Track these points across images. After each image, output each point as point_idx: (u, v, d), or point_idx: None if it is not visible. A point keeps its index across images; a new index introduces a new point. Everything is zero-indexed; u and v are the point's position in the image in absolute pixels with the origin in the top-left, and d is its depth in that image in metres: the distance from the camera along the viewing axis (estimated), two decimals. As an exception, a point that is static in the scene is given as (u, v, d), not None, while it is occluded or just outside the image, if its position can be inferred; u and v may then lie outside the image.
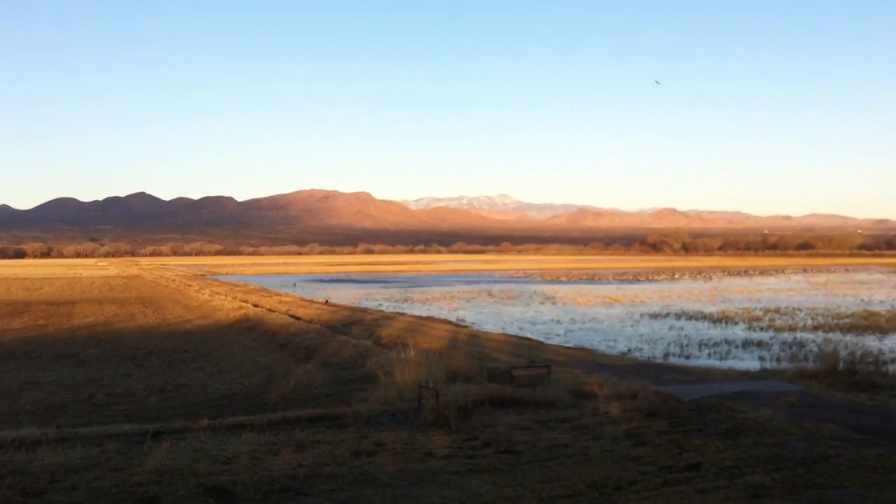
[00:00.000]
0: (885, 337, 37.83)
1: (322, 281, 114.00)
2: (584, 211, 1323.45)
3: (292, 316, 46.76)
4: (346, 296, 74.78)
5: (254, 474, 13.20)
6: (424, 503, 11.77)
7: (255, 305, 55.32)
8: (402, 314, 50.94)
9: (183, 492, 12.22)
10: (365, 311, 52.99)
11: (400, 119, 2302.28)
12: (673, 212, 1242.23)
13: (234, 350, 34.38)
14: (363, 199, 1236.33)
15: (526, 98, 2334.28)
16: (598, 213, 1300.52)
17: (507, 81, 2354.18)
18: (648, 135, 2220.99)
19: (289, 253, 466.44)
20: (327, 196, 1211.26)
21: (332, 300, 63.40)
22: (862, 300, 63.60)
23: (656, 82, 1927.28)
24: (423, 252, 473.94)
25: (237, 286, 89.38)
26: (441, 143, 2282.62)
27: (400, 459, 14.26)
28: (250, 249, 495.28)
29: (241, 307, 53.96)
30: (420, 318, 47.95)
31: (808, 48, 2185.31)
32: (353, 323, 42.35)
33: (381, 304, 62.20)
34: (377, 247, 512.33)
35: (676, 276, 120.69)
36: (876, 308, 54.32)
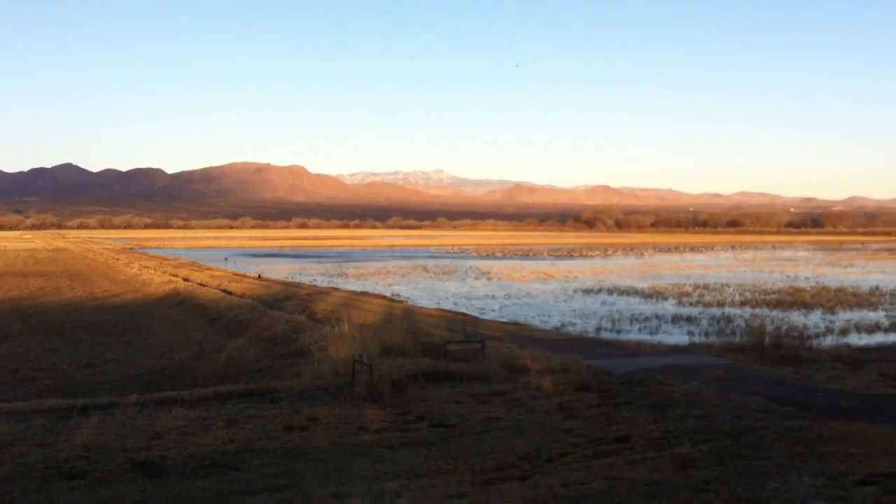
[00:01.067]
0: (810, 312, 38.90)
1: (255, 255, 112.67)
2: (519, 187, 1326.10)
3: (224, 290, 46.18)
4: (280, 270, 74.09)
5: (183, 449, 13.03)
6: (357, 477, 11.74)
7: (186, 280, 54.49)
8: (337, 289, 50.67)
9: (111, 467, 12.00)
10: (298, 285, 52.58)
11: (334, 92, 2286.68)
12: (607, 189, 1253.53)
13: (164, 325, 33.85)
14: (297, 172, 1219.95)
15: (462, 74, 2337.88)
16: (533, 190, 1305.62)
17: (444, 57, 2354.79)
18: (584, 112, 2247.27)
19: (220, 227, 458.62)
20: (260, 169, 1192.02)
21: (265, 275, 62.74)
22: (788, 276, 65.31)
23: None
24: (358, 227, 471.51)
25: (167, 260, 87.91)
26: (377, 117, 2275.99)
27: (333, 434, 14.21)
28: (181, 223, 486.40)
29: (170, 281, 53.09)
30: (355, 293, 47.75)
31: (736, 30, 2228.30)
32: (287, 298, 41.98)
33: (315, 279, 61.78)
34: (311, 221, 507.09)
35: (609, 252, 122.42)
36: (801, 284, 55.84)
